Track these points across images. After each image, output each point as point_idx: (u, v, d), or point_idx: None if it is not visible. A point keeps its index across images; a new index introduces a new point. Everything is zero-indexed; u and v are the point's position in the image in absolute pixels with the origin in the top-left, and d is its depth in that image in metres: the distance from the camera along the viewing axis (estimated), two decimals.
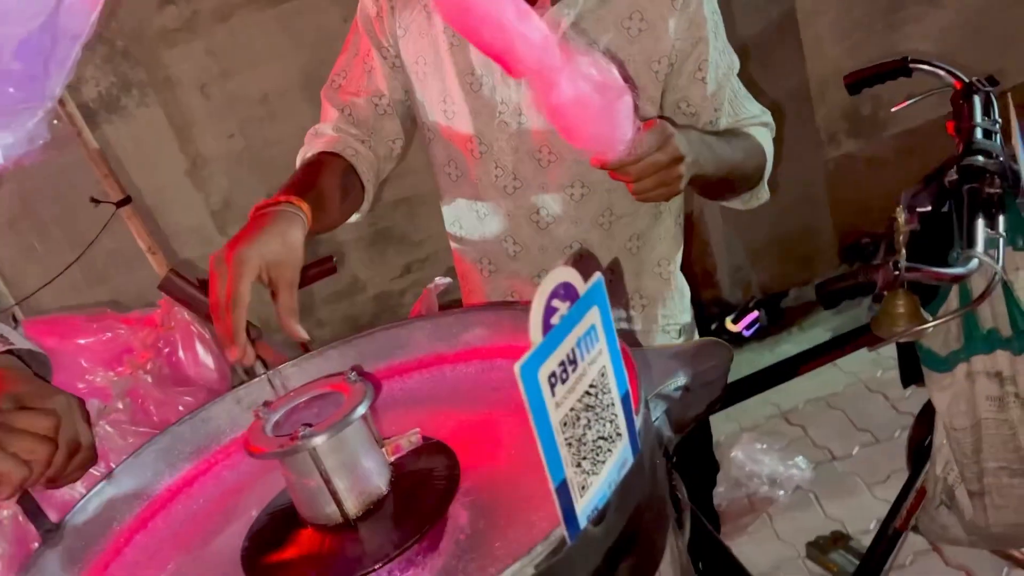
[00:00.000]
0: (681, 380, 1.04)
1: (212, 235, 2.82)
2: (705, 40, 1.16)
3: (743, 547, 2.27)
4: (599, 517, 0.61)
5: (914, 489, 1.46)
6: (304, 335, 0.93)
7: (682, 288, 1.42)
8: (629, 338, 1.36)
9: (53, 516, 0.84)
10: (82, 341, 1.24)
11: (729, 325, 3.22)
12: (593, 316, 0.59)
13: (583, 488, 0.59)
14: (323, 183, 1.13)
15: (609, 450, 0.62)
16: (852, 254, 3.35)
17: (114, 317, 1.31)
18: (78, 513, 0.87)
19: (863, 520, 2.19)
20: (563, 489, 0.57)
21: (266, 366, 1.09)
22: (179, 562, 0.86)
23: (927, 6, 3.30)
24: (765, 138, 1.24)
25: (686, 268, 1.44)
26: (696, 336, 1.46)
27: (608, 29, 1.15)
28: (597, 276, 0.60)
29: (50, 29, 0.63)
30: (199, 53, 2.67)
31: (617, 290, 1.31)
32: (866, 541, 1.97)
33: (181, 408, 1.20)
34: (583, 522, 0.59)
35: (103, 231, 1.32)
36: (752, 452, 2.53)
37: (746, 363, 3.08)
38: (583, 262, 1.24)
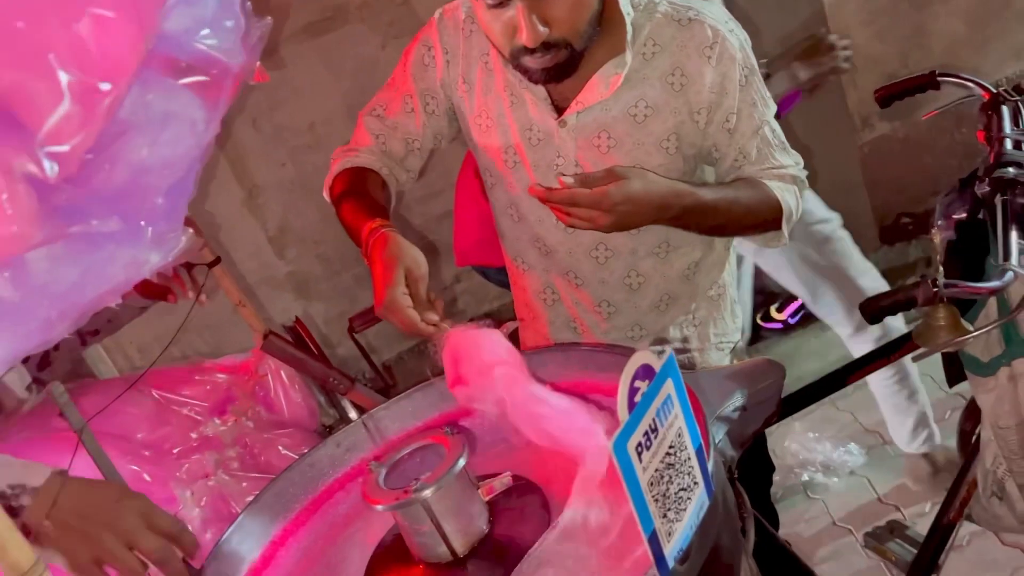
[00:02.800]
0: (739, 401, 1.13)
1: (271, 259, 2.96)
2: (734, 94, 1.26)
3: (802, 534, 2.34)
4: (684, 557, 0.71)
5: (966, 482, 1.53)
6: (433, 318, 1.10)
7: (734, 309, 1.50)
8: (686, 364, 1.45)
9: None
10: (187, 392, 1.38)
11: (774, 313, 3.30)
12: (668, 387, 0.69)
13: (669, 535, 0.69)
14: (379, 196, 1.37)
15: (689, 498, 0.72)
16: (892, 234, 3.40)
17: (212, 366, 1.44)
18: (212, 560, 0.99)
19: (917, 503, 2.26)
20: (653, 539, 0.67)
21: (360, 411, 1.21)
22: None
23: None
24: (784, 190, 1.30)
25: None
26: (743, 355, 1.55)
27: (654, 85, 1.25)
28: (669, 352, 0.69)
29: (192, 168, 0.73)
30: (248, 88, 2.79)
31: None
32: (921, 524, 2.04)
33: (281, 449, 1.33)
34: (671, 563, 0.69)
35: (201, 291, 1.46)
36: (805, 440, 2.60)
37: (794, 348, 3.15)
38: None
